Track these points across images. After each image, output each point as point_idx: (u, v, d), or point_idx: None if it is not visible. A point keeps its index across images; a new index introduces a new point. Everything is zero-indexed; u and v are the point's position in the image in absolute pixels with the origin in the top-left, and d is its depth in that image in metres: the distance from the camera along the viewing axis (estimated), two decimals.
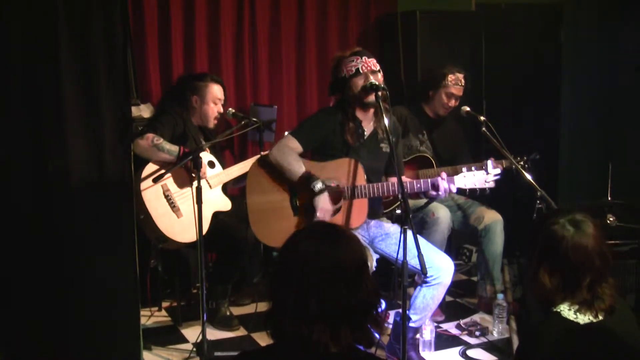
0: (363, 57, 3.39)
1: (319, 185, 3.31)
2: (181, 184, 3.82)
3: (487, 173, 3.40)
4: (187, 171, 3.79)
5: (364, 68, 3.37)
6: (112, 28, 2.83)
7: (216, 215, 3.89)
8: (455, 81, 4.25)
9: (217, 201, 3.93)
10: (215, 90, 4.07)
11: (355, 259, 1.69)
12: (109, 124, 2.87)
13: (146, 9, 4.43)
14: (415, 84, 4.71)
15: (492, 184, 3.42)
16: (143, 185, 3.67)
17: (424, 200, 4.02)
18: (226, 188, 4.06)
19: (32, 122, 2.77)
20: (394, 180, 3.47)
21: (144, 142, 3.66)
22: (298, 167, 3.37)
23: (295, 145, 3.41)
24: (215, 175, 3.95)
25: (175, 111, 4.00)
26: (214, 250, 4.26)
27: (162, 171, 3.67)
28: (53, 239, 2.82)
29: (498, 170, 3.42)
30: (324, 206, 3.32)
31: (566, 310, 1.97)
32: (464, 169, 3.44)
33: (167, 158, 3.70)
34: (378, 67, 3.41)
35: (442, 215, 4.06)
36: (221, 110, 4.13)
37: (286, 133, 4.15)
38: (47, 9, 2.73)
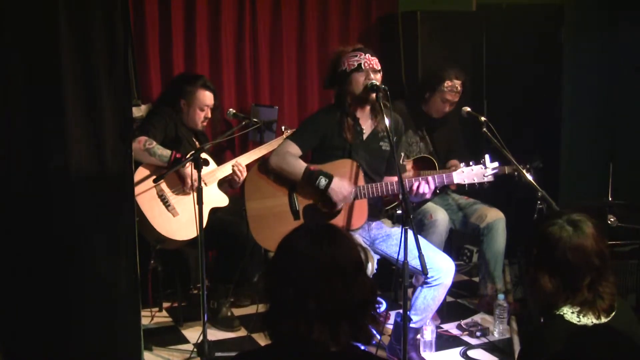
0: (366, 55, 3.37)
1: (323, 181, 3.30)
2: (174, 184, 3.81)
3: (485, 167, 3.39)
4: (178, 175, 3.78)
5: (366, 65, 3.34)
6: (113, 28, 2.81)
7: (215, 212, 3.88)
8: (451, 88, 4.22)
9: (213, 198, 3.92)
10: (203, 97, 4.02)
11: (351, 257, 1.69)
12: (109, 124, 2.87)
13: (147, 9, 4.43)
14: (414, 83, 4.71)
15: (491, 178, 3.40)
16: (136, 188, 3.64)
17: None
18: (223, 185, 4.05)
19: (32, 121, 2.76)
20: (391, 179, 3.46)
21: (136, 145, 3.65)
22: (299, 165, 3.37)
23: (294, 149, 3.40)
24: (210, 173, 3.94)
25: (166, 112, 3.98)
26: (214, 247, 4.26)
27: (154, 176, 3.64)
28: (53, 239, 2.82)
29: (496, 164, 3.41)
30: (338, 195, 3.31)
31: (569, 313, 1.96)
32: (461, 165, 3.43)
33: (158, 163, 3.70)
34: (379, 67, 3.39)
35: (440, 217, 4.05)
36: (209, 115, 4.08)
37: (285, 130, 4.11)
38: (48, 9, 2.72)
